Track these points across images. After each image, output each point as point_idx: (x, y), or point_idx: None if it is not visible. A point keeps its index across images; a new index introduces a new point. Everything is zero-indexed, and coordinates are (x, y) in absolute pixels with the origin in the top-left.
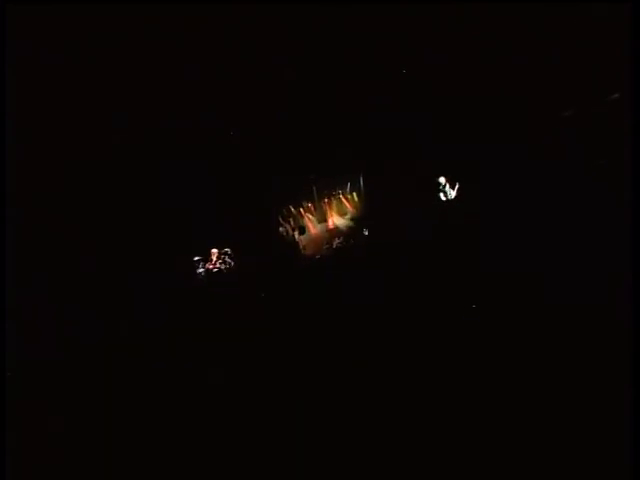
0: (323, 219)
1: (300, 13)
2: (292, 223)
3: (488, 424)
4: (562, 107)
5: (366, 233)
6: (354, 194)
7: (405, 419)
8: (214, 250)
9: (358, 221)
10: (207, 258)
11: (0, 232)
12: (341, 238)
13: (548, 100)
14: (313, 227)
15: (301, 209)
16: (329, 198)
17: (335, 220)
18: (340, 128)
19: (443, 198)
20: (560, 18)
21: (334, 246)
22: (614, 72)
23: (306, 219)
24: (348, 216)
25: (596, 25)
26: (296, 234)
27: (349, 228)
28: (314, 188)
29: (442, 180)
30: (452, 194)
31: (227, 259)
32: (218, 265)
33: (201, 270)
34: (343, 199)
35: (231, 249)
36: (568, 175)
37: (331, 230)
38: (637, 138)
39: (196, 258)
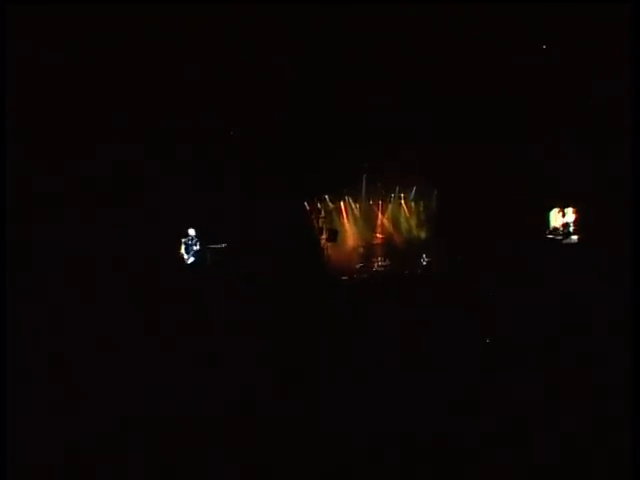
0: (370, 227)
1: (300, 13)
2: (322, 220)
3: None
4: (562, 107)
5: (424, 263)
6: (420, 202)
7: None
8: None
9: (418, 241)
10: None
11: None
12: (387, 260)
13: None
14: (352, 234)
15: (342, 205)
16: (384, 200)
17: (386, 232)
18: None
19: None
20: (560, 18)
21: (374, 268)
22: (614, 72)
23: (345, 221)
24: (406, 230)
25: (596, 25)
26: (323, 237)
27: (403, 248)
28: (364, 180)
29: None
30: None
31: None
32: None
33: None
34: (404, 205)
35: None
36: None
37: (376, 244)
38: (637, 138)
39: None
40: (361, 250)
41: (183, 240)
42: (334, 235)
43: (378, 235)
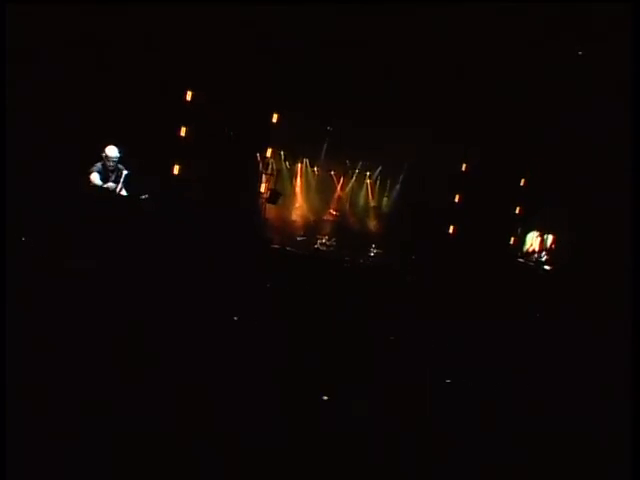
0: (324, 199)
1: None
2: (268, 177)
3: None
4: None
5: (372, 254)
6: (386, 186)
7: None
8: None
9: (372, 228)
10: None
11: None
12: (333, 239)
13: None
14: (301, 202)
15: (298, 166)
16: (346, 173)
17: (341, 209)
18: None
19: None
20: (561, 18)
21: (316, 244)
22: (614, 72)
23: (296, 185)
24: (362, 212)
25: (597, 24)
26: (264, 197)
27: (354, 231)
28: (325, 145)
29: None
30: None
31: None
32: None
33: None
34: (368, 184)
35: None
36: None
37: (326, 220)
38: (637, 138)
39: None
40: (307, 222)
41: (96, 168)
42: (275, 197)
43: (331, 211)
